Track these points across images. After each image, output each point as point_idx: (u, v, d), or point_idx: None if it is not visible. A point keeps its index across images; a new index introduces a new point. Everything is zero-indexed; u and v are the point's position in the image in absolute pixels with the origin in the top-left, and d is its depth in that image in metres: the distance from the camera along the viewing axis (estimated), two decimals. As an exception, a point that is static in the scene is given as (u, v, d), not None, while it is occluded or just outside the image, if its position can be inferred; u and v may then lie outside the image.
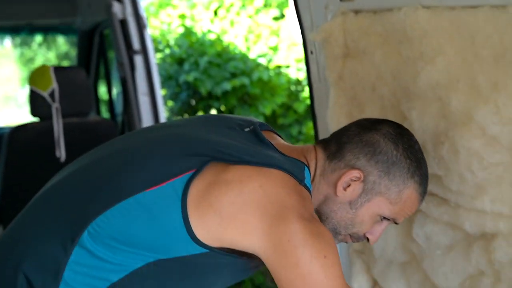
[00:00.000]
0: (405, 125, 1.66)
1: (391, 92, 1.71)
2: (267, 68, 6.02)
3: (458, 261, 1.60)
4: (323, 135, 2.14)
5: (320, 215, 1.45)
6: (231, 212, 1.29)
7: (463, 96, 1.44)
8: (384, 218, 1.46)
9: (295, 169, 1.37)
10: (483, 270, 1.53)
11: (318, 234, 1.27)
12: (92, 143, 1.98)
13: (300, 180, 1.37)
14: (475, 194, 1.48)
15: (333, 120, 1.98)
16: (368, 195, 1.43)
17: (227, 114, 1.60)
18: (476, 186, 1.47)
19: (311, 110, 2.22)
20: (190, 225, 1.29)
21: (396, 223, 1.48)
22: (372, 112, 1.82)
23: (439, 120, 1.53)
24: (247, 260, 1.38)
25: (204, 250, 1.32)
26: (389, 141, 1.43)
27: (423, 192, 1.46)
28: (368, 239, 1.49)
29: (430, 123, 1.55)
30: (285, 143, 1.55)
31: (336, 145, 1.47)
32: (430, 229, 1.68)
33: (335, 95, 1.97)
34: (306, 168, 1.42)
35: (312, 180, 1.46)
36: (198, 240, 1.30)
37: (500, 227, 1.45)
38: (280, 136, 1.58)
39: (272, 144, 1.45)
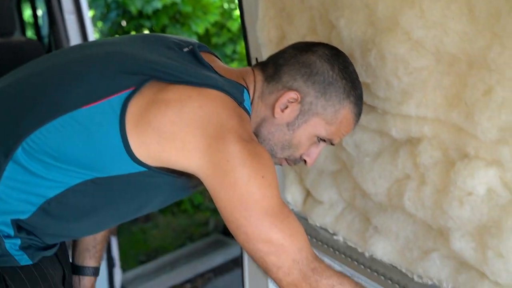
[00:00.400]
0: (333, 34, 1.66)
1: (319, 2, 1.70)
2: (198, -15, 5.87)
3: (386, 167, 1.64)
4: (253, 49, 2.12)
5: (257, 137, 1.45)
6: (170, 131, 1.27)
7: (389, 1, 1.44)
8: (321, 139, 1.47)
9: (234, 91, 1.36)
10: (409, 174, 1.58)
11: (257, 154, 1.28)
12: (17, 63, 1.90)
13: (240, 102, 1.36)
14: (401, 100, 1.51)
15: (263, 33, 1.96)
16: (305, 116, 1.44)
17: (165, 34, 1.55)
18: (402, 91, 1.49)
19: (241, 25, 2.19)
20: (129, 144, 1.28)
21: (332, 144, 1.50)
22: (301, 23, 1.81)
23: (367, 27, 1.52)
24: (186, 180, 1.38)
25: (143, 169, 1.31)
26: (325, 62, 1.43)
27: (358, 113, 1.49)
28: (305, 162, 1.51)
29: (357, 31, 1.55)
30: (224, 65, 1.54)
31: (274, 67, 1.47)
32: (359, 137, 1.72)
33: (264, 7, 1.94)
34: (245, 90, 1.42)
35: (251, 103, 1.45)
36: (137, 158, 1.29)
37: (424, 131, 1.49)
38: (219, 59, 1.56)
39: (211, 66, 1.43)
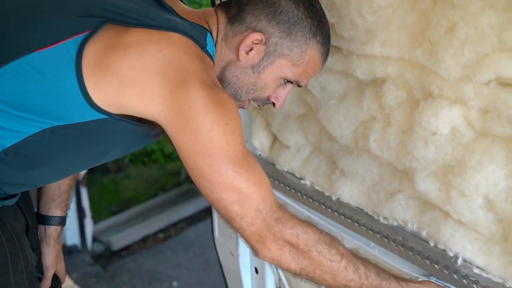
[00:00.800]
0: (298, -27, 1.61)
1: None
2: None
3: (351, 109, 1.62)
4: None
5: (222, 81, 1.41)
6: (130, 76, 1.22)
7: None
8: (288, 81, 1.44)
9: (197, 35, 1.31)
10: (374, 116, 1.57)
11: (220, 100, 1.24)
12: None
13: (202, 46, 1.31)
14: (366, 39, 1.48)
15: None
16: (270, 58, 1.40)
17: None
18: (366, 30, 1.47)
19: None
20: (87, 89, 1.23)
21: (299, 85, 1.47)
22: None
23: (331, -35, 1.49)
24: (148, 127, 1.34)
25: (103, 116, 1.26)
26: (290, 0, 1.39)
27: (326, 52, 1.45)
28: (274, 105, 1.48)
29: (321, -31, 1.51)
30: (187, 7, 1.48)
31: (237, 7, 1.42)
32: (324, 79, 1.69)
33: None
34: (208, 34, 1.37)
35: (215, 46, 1.41)
36: (96, 105, 1.24)
37: (389, 71, 1.47)
38: (181, 1, 1.51)
39: (172, 9, 1.38)
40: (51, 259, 1.70)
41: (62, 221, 1.75)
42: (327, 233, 1.35)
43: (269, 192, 1.29)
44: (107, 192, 5.15)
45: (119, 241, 4.42)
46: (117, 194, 5.14)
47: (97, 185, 5.15)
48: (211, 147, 1.23)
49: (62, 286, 1.78)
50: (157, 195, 5.11)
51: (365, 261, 1.38)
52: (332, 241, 1.34)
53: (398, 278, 1.42)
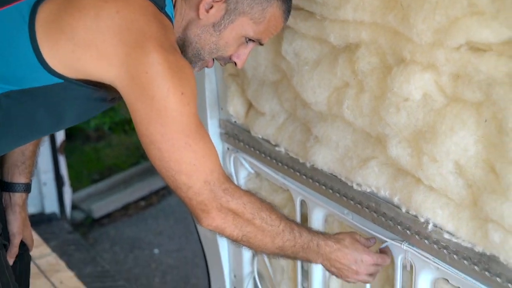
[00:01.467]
0: None
1: None
2: None
3: (325, 75, 1.60)
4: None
5: (183, 41, 1.39)
6: (86, 38, 1.20)
7: None
8: (249, 40, 1.42)
9: None
10: (347, 82, 1.55)
11: (178, 68, 1.22)
12: None
13: (161, 8, 1.29)
14: (338, 4, 1.45)
15: None
16: (231, 16, 1.38)
17: None
18: (339, -5, 1.45)
19: None
20: (41, 53, 1.21)
21: (261, 44, 1.45)
22: None
23: None
24: (105, 92, 1.31)
25: (58, 80, 1.24)
26: None
27: (287, 9, 1.43)
28: (236, 64, 1.46)
29: None
30: None
31: None
32: (298, 44, 1.67)
33: None
34: None
35: (174, 6, 1.37)
36: (51, 69, 1.22)
37: (362, 36, 1.45)
38: None
39: None
40: (17, 226, 1.68)
41: (27, 188, 1.72)
42: (266, 201, 1.42)
43: (217, 164, 1.31)
44: (88, 160, 5.12)
45: (100, 209, 4.40)
46: (98, 162, 5.11)
47: (78, 153, 5.11)
48: (165, 115, 1.22)
49: (34, 253, 1.77)
50: (139, 163, 5.08)
51: (298, 223, 1.50)
52: (272, 207, 1.41)
53: (325, 234, 1.52)
